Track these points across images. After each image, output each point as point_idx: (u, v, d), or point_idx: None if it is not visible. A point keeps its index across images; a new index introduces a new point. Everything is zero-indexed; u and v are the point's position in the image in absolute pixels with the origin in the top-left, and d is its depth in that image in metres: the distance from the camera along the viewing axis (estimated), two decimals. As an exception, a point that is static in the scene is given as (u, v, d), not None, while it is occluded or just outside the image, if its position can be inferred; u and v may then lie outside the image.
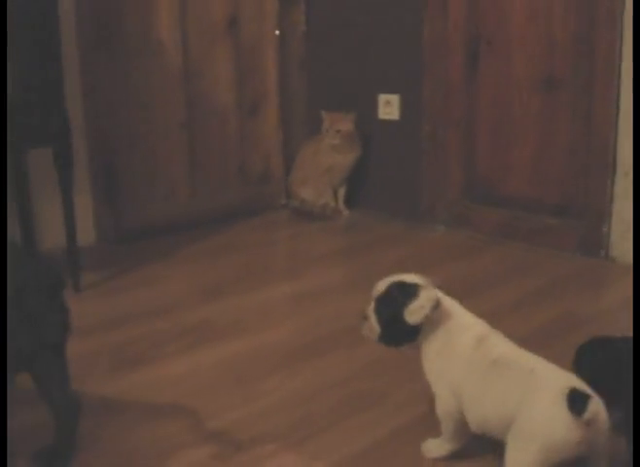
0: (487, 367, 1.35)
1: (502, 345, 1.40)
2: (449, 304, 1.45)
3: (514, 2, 2.84)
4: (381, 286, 1.46)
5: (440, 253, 2.91)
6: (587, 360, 1.56)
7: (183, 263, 2.83)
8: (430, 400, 1.48)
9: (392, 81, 3.29)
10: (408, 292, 1.40)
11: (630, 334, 1.53)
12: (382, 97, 3.34)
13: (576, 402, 1.19)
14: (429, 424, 1.51)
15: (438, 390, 1.43)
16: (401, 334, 1.44)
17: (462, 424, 1.41)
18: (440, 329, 1.42)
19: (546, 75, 2.79)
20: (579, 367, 1.54)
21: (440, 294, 1.44)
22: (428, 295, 1.40)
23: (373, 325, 1.44)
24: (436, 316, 1.41)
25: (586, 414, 1.17)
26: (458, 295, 2.38)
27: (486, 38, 2.95)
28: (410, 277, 1.46)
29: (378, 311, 1.44)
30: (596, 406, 1.20)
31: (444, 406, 1.42)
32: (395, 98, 3.29)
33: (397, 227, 3.27)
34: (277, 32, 3.50)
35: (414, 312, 1.38)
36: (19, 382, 1.46)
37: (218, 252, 2.97)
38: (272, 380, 1.84)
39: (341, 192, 3.50)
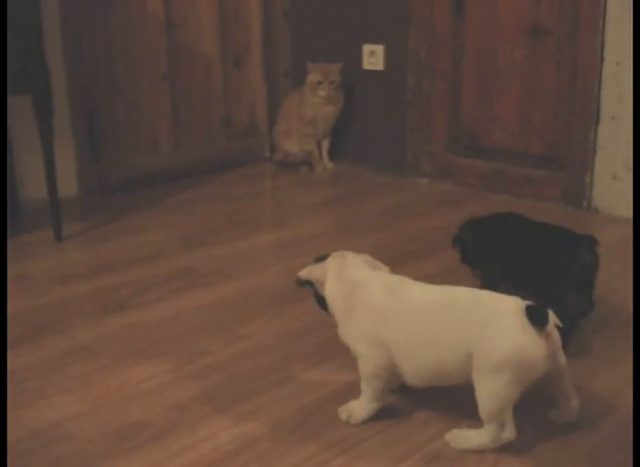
0: (419, 311, 1.32)
1: (420, 287, 1.38)
2: (345, 268, 1.43)
3: (499, -50, 2.81)
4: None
5: (423, 204, 2.91)
6: (466, 235, 1.85)
7: (166, 213, 2.83)
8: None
9: (377, 31, 3.26)
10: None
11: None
12: (367, 48, 3.31)
13: (536, 316, 1.20)
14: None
15: (361, 350, 1.37)
16: (320, 303, 1.49)
17: (387, 382, 1.38)
18: (338, 295, 1.42)
19: (531, 24, 2.77)
20: (458, 241, 1.86)
21: (335, 264, 1.43)
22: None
23: None
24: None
25: (549, 325, 1.20)
26: (441, 243, 2.40)
27: (472, -13, 2.92)
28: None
29: None
30: (553, 316, 1.23)
31: (369, 365, 1.37)
32: (380, 48, 3.26)
33: (381, 178, 3.27)
34: (261, -18, 3.46)
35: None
36: None
37: (201, 203, 2.96)
38: (252, 325, 1.85)
39: (325, 144, 3.48)
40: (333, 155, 3.50)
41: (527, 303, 1.24)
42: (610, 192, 2.68)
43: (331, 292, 1.42)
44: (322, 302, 1.46)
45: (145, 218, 2.76)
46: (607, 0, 2.54)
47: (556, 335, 1.24)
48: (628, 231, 2.52)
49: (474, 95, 3.02)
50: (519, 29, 2.81)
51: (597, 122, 2.66)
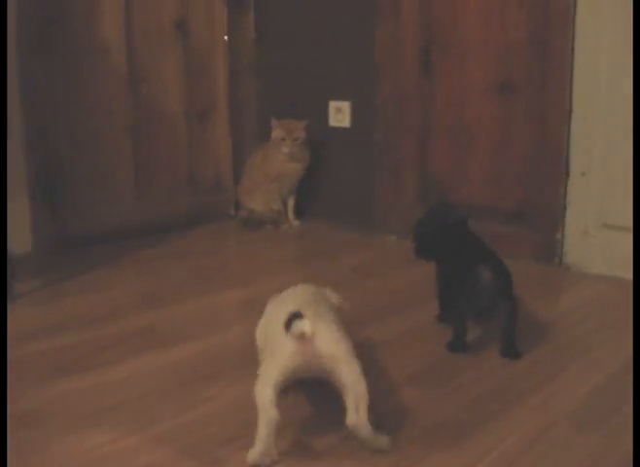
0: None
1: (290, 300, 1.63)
2: None
3: (466, 6, 2.80)
4: None
5: (392, 261, 2.84)
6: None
7: (126, 270, 2.72)
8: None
9: (343, 88, 3.24)
10: None
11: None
12: (333, 104, 3.28)
13: (289, 322, 1.41)
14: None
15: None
16: None
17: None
18: None
19: (500, 80, 2.76)
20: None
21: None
22: None
23: None
24: None
25: (292, 330, 1.40)
26: (409, 302, 2.32)
27: (440, 43, 2.91)
28: None
29: None
30: (305, 325, 1.40)
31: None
32: (346, 105, 3.24)
33: (349, 236, 3.20)
34: (226, 38, 3.43)
35: None
36: None
37: (163, 260, 2.86)
38: (215, 387, 1.73)
39: (291, 202, 3.41)
40: (299, 212, 3.43)
41: (295, 311, 1.42)
42: (581, 248, 2.63)
43: None
44: None
45: (104, 275, 2.65)
46: (574, 56, 2.54)
47: (322, 346, 1.42)
48: (601, 287, 2.48)
49: (442, 152, 2.99)
50: (487, 85, 2.79)
51: (567, 178, 2.63)
